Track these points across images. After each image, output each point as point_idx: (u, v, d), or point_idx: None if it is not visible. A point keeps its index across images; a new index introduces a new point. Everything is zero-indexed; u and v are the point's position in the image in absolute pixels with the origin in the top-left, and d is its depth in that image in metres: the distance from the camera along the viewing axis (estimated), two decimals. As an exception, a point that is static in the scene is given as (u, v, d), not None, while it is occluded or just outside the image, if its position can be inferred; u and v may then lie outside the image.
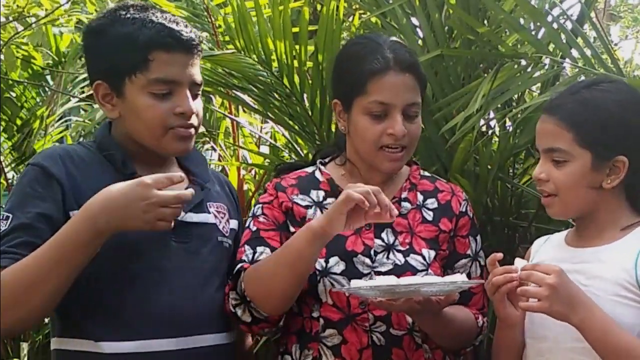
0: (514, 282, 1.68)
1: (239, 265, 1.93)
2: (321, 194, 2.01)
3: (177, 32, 1.86)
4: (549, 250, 1.88)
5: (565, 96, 1.80)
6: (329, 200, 1.99)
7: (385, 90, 1.92)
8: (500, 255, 1.73)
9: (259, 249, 1.94)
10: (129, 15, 1.86)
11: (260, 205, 2.01)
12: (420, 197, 2.03)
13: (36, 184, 1.83)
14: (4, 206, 1.89)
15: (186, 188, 1.93)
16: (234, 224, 2.03)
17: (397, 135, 1.92)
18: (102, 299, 1.83)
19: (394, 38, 2.07)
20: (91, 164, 1.88)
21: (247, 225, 2.01)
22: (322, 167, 2.06)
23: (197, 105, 1.92)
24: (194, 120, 1.90)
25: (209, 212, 1.97)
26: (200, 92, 1.94)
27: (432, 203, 2.03)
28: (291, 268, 1.83)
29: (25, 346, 3.50)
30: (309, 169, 2.08)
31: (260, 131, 3.56)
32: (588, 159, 1.75)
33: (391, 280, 1.76)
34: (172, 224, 1.75)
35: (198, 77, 1.91)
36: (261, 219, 1.99)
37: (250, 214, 2.03)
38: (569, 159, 1.75)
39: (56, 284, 1.73)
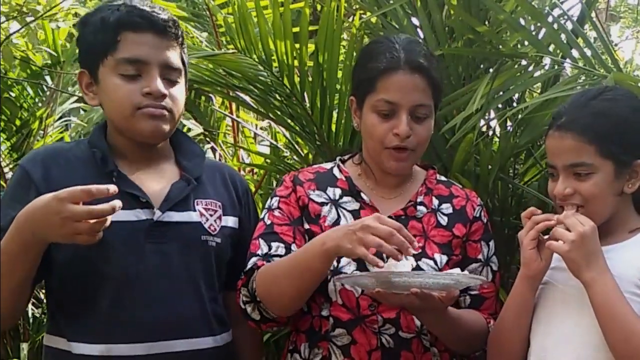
0: (552, 221, 1.76)
1: (253, 260, 1.92)
2: (338, 191, 2.01)
3: (147, 12, 1.85)
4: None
5: (576, 110, 1.81)
6: (345, 198, 1.99)
7: (393, 89, 1.92)
8: (536, 210, 1.82)
9: (274, 244, 1.93)
10: (110, 4, 1.88)
11: (277, 198, 2.01)
12: (435, 202, 2.03)
13: (18, 186, 1.86)
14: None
15: (174, 182, 1.93)
16: (229, 220, 2.00)
17: (401, 135, 1.92)
18: (74, 300, 1.83)
19: (412, 38, 2.07)
20: (77, 163, 1.88)
21: (262, 217, 2.01)
22: (341, 165, 2.06)
23: (176, 91, 1.89)
24: (167, 103, 1.87)
25: (195, 210, 1.93)
26: (179, 79, 1.91)
27: (447, 208, 2.03)
28: (302, 279, 1.83)
29: (25, 346, 3.49)
30: (328, 166, 2.08)
31: (256, 128, 3.56)
32: (611, 168, 1.78)
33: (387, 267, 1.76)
34: (99, 235, 1.68)
35: (173, 61, 1.89)
36: (276, 212, 1.98)
37: (266, 206, 2.02)
38: (594, 170, 1.77)
39: (5, 294, 1.74)
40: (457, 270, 1.84)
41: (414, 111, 1.93)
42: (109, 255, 1.81)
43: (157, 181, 1.93)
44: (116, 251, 1.81)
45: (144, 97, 1.84)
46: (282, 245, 1.93)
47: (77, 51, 2.01)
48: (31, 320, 3.77)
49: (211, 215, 1.96)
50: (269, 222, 1.97)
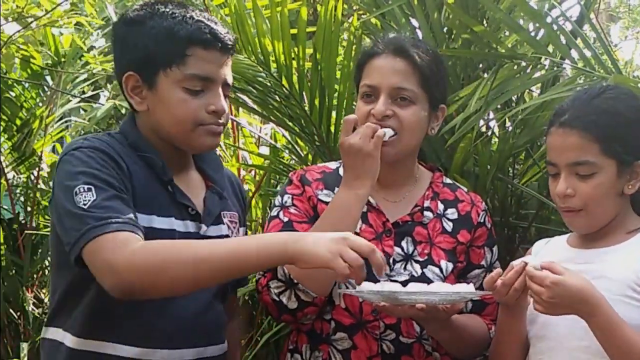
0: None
1: None
2: None
3: (216, 30, 1.85)
4: (551, 252, 1.88)
5: (579, 107, 1.78)
6: None
7: (373, 72, 1.94)
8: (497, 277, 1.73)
9: None
10: (168, 10, 1.85)
11: (290, 195, 1.98)
12: (441, 206, 2.01)
13: (100, 160, 1.77)
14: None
15: (208, 196, 1.92)
16: (242, 232, 2.01)
17: (375, 115, 1.90)
18: (111, 306, 1.78)
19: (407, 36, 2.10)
20: (129, 162, 1.83)
21: (275, 214, 1.98)
22: None
23: (226, 105, 1.92)
24: (224, 119, 1.89)
25: (224, 223, 1.94)
26: (229, 94, 1.93)
27: (452, 213, 2.01)
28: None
29: (25, 346, 3.50)
30: (333, 165, 2.07)
31: (260, 131, 3.57)
32: (614, 168, 1.75)
33: (395, 287, 1.74)
34: (348, 271, 1.59)
35: (230, 78, 1.91)
36: (292, 210, 1.96)
37: (277, 204, 2.00)
38: (597, 170, 1.74)
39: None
40: (464, 285, 1.80)
41: (395, 94, 1.92)
42: None
43: (191, 190, 1.92)
44: None
45: (208, 114, 1.85)
46: None
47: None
48: (31, 320, 3.77)
49: (234, 228, 1.97)
50: (285, 219, 1.95)
